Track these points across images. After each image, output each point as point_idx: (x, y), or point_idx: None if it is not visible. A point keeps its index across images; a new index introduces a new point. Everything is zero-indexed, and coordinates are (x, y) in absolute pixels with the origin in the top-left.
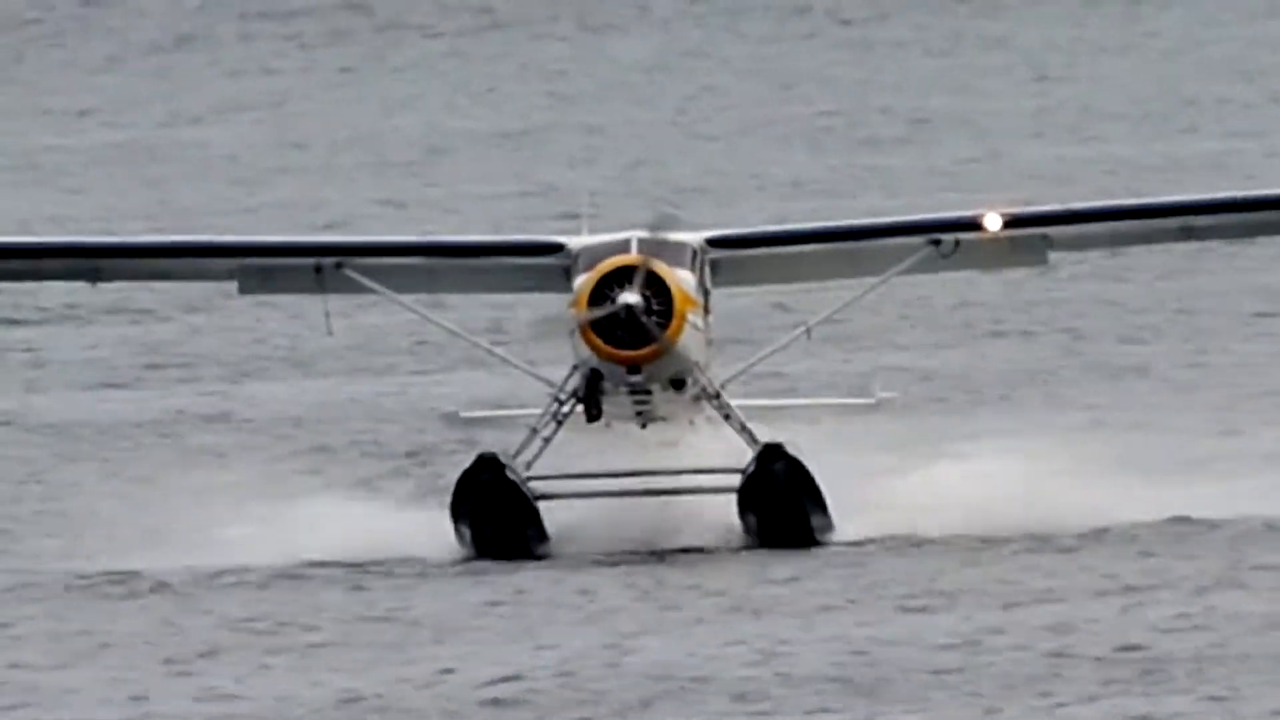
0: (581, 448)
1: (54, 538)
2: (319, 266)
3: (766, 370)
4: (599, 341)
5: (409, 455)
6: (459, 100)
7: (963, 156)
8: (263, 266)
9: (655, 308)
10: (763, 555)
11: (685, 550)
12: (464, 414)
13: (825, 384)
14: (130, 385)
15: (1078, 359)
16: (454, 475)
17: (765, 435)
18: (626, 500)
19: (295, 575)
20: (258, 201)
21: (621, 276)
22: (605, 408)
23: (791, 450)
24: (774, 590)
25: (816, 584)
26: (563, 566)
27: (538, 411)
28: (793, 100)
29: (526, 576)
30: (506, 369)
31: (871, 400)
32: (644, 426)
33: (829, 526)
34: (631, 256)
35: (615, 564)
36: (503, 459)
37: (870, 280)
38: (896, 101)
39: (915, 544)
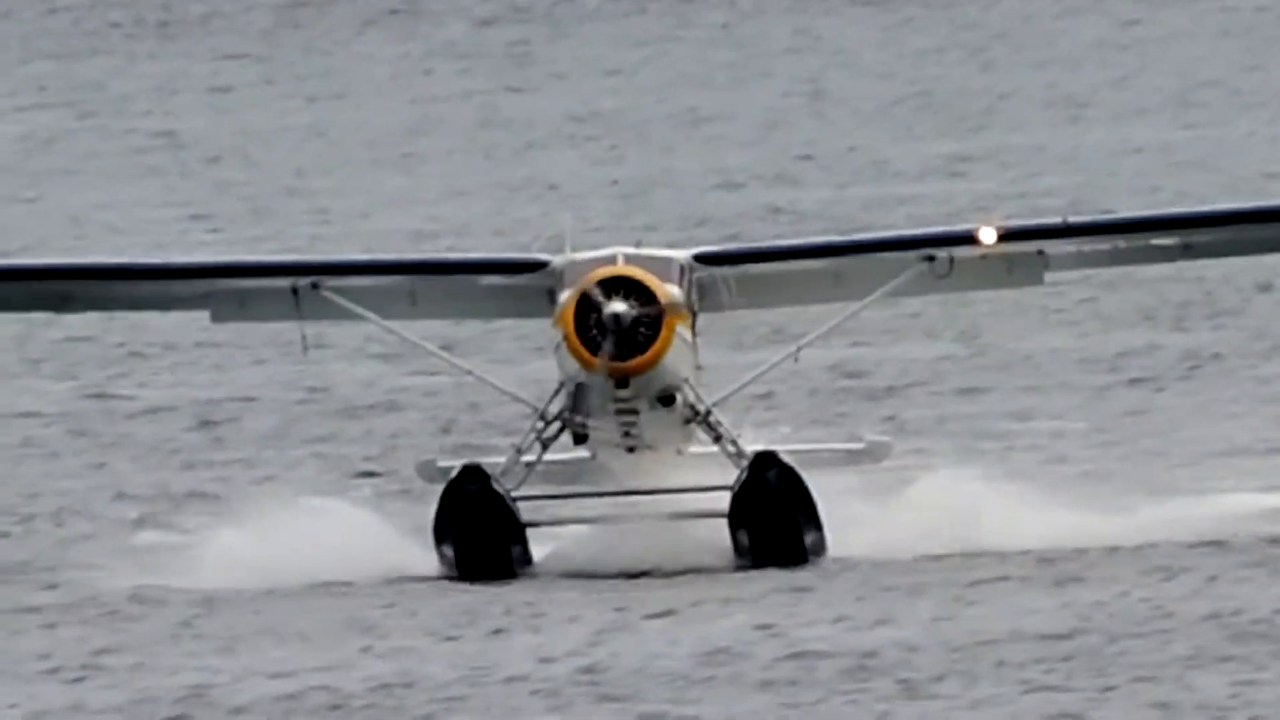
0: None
1: None
2: (295, 288)
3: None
4: (585, 353)
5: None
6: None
7: None
8: (236, 291)
9: (643, 318)
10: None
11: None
12: (441, 463)
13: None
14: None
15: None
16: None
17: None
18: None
19: None
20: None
21: (608, 287)
22: (591, 432)
23: (785, 458)
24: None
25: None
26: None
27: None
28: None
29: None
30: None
31: (860, 445)
32: (631, 451)
33: (822, 543)
34: (620, 267)
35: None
36: (488, 469)
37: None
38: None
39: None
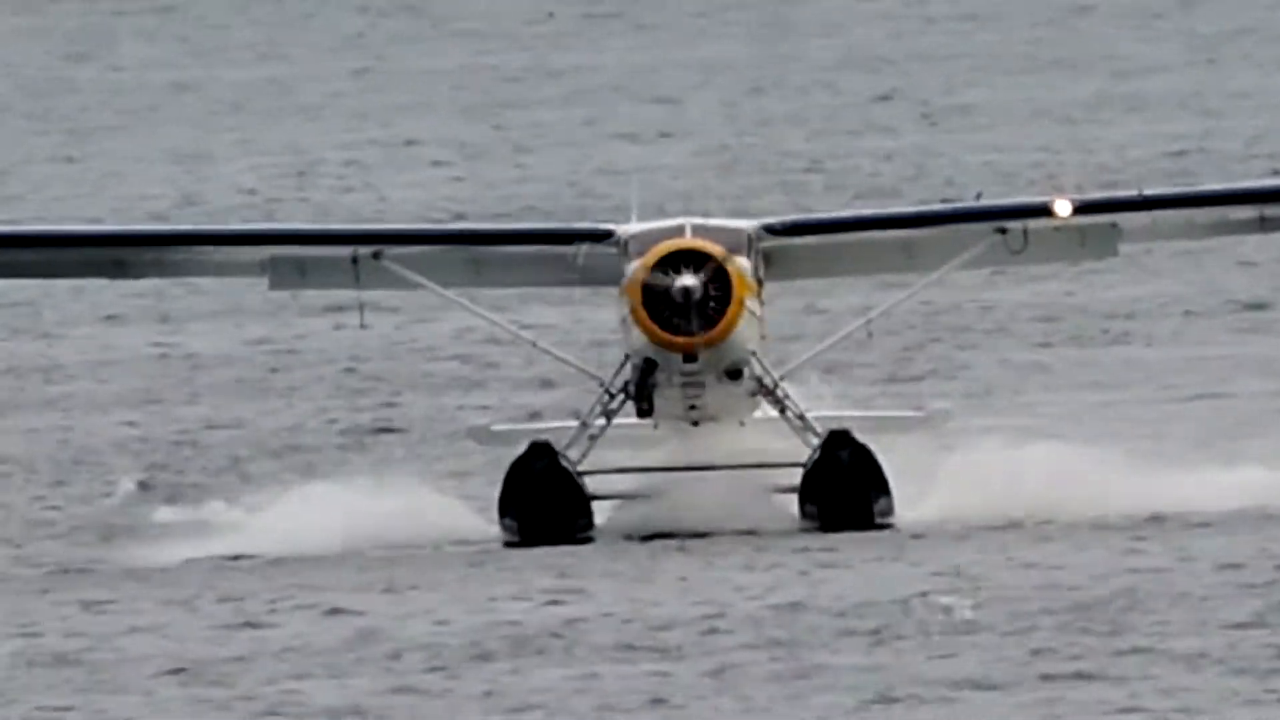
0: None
1: None
2: (355, 257)
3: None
4: (654, 326)
5: None
6: None
7: None
8: (295, 258)
9: (712, 291)
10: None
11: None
12: (495, 427)
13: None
14: None
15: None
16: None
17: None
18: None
19: None
20: None
21: (677, 260)
22: (656, 403)
23: (858, 437)
24: None
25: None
26: None
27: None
28: None
29: None
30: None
31: (922, 413)
32: (695, 424)
33: (890, 510)
34: (688, 240)
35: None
36: (556, 446)
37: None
38: None
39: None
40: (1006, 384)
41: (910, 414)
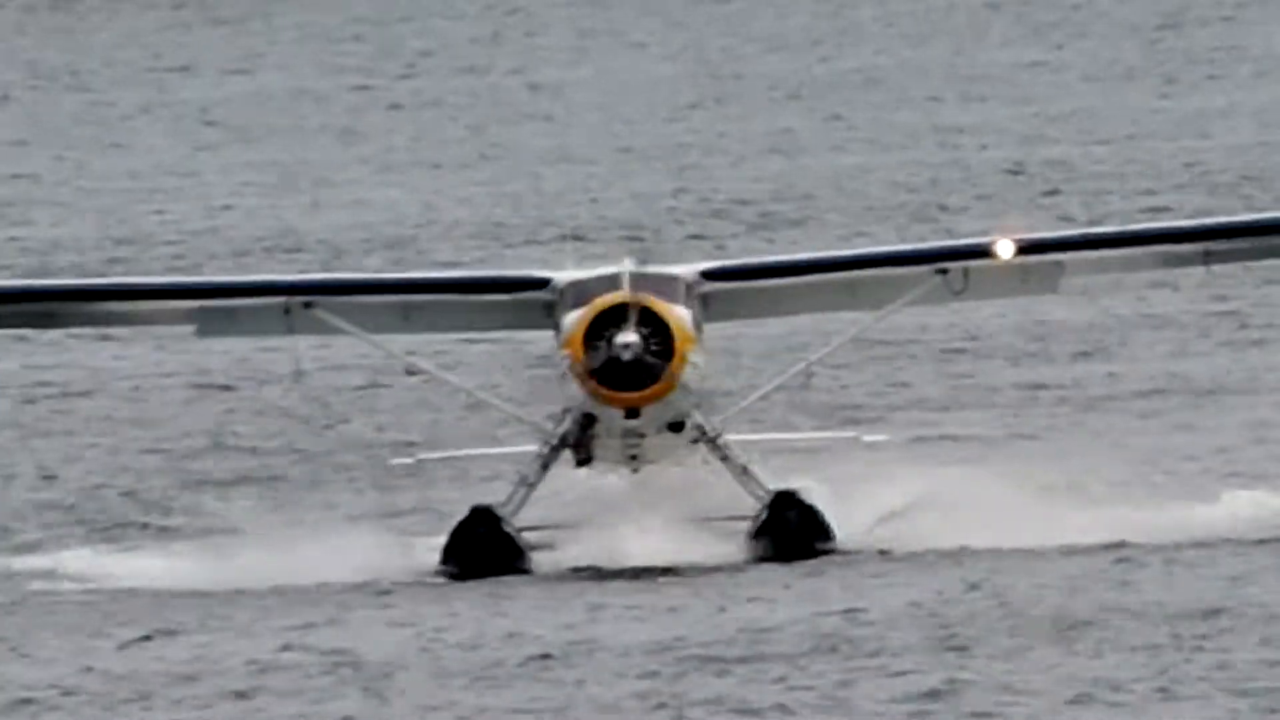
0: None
1: None
2: (287, 308)
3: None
4: (595, 384)
5: None
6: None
7: None
8: (225, 308)
9: (653, 347)
10: None
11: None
12: (421, 455)
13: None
14: None
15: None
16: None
17: (772, 480)
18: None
19: None
20: None
21: (617, 315)
22: (595, 452)
23: (804, 497)
24: None
25: None
26: None
27: (496, 451)
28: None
29: None
30: None
31: (854, 435)
32: (635, 471)
33: (833, 546)
34: (626, 294)
35: None
36: (497, 511)
37: (875, 312)
38: None
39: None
40: (950, 406)
41: (844, 434)
